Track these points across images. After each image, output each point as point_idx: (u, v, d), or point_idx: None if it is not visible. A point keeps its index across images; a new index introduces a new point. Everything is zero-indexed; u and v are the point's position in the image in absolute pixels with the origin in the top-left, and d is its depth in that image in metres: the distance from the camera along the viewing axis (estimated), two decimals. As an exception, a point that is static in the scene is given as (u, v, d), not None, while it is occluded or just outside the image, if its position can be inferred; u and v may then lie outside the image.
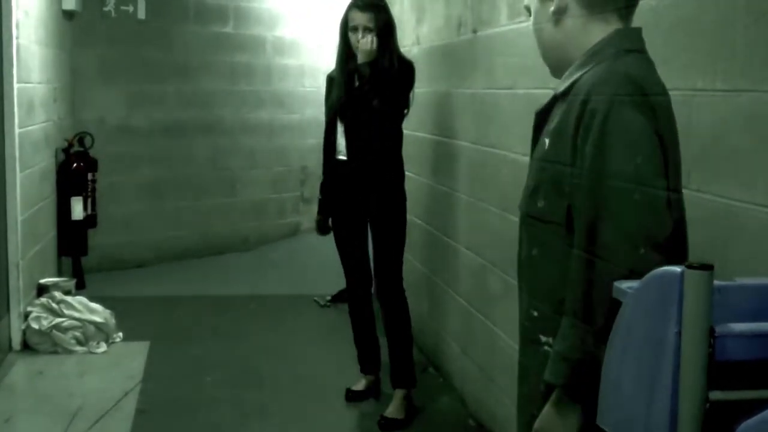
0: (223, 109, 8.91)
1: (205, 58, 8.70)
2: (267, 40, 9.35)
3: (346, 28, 4.64)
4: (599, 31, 2.09)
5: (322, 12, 10.03)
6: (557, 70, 2.19)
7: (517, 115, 4.01)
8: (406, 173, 4.87)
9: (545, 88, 3.66)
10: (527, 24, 3.87)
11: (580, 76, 2.06)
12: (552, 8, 2.14)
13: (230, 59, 8.94)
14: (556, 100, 2.14)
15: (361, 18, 4.57)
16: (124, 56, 8.04)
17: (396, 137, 4.75)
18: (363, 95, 4.58)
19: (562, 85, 2.13)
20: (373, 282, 4.91)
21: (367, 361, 4.99)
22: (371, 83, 4.54)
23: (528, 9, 2.30)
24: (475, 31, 4.64)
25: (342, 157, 4.74)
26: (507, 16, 4.14)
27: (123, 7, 7.93)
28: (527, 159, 3.84)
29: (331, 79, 4.87)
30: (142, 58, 8.18)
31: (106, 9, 7.87)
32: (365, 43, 4.53)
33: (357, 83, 4.62)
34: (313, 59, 10.01)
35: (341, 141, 4.74)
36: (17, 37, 5.51)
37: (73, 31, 7.57)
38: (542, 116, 2.18)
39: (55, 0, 6.90)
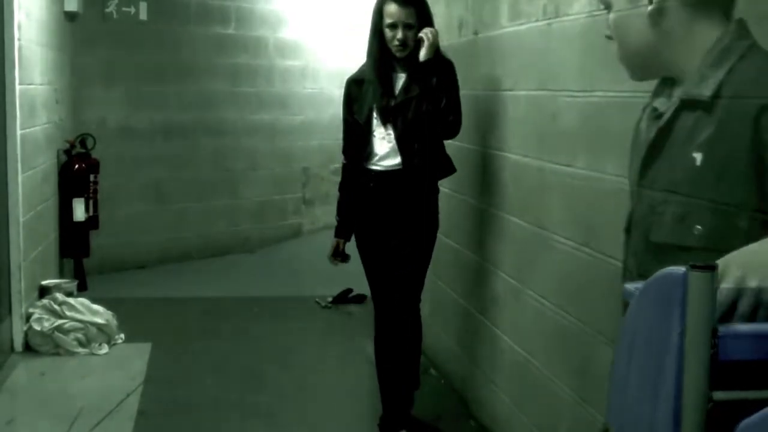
0: (225, 111, 8.92)
1: (207, 60, 8.71)
2: (269, 42, 9.36)
3: (380, 24, 4.11)
4: (707, 28, 1.88)
5: (325, 13, 10.04)
6: (644, 73, 1.98)
7: (519, 116, 4.02)
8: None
9: (545, 89, 3.68)
10: (528, 26, 3.90)
11: (724, 78, 1.84)
12: (650, 9, 1.92)
13: (232, 60, 8.95)
14: (681, 109, 1.88)
15: (400, 13, 4.04)
16: (126, 58, 8.05)
17: (442, 143, 4.24)
18: (424, 93, 4.02)
19: (699, 90, 1.86)
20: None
21: (393, 418, 4.41)
22: (422, 86, 4.04)
23: (607, 5, 2.09)
24: (476, 33, 4.64)
25: (379, 167, 4.17)
26: (508, 18, 4.15)
27: (125, 9, 7.94)
28: (527, 160, 3.85)
29: (353, 82, 4.28)
30: (143, 59, 8.18)
31: (107, 10, 7.88)
32: (430, 36, 3.99)
33: (404, 85, 4.11)
34: (316, 61, 10.01)
35: (380, 149, 4.16)
36: (19, 39, 5.52)
37: (75, 32, 7.58)
38: (667, 131, 1.87)
39: (56, 1, 6.91)
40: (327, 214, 10.13)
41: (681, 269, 1.30)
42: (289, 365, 5.62)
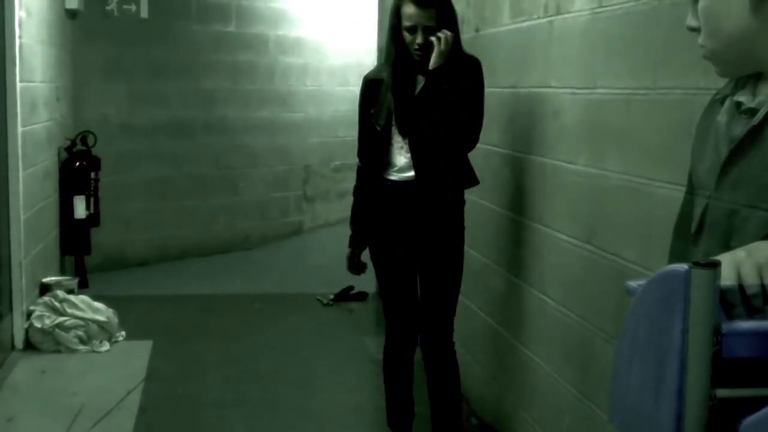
0: (226, 108, 8.92)
1: (208, 57, 8.70)
2: (269, 39, 9.36)
3: (398, 26, 3.74)
4: None
5: (326, 10, 10.04)
6: (736, 68, 1.75)
7: (521, 114, 4.02)
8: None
9: (547, 86, 3.67)
10: (529, 23, 3.90)
11: None
12: None
13: (233, 58, 8.95)
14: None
15: (419, 16, 3.65)
16: (127, 55, 8.05)
17: (466, 154, 3.90)
18: (432, 101, 3.68)
19: None
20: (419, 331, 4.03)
21: (399, 419, 4.19)
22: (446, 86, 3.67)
23: None
24: (477, 30, 4.63)
25: (397, 177, 3.85)
26: (509, 16, 4.14)
27: (125, 6, 7.93)
28: (529, 158, 3.84)
29: (371, 81, 3.93)
30: (144, 56, 8.18)
31: (108, 8, 7.87)
32: (443, 42, 3.61)
33: (420, 93, 3.75)
34: (316, 58, 10.01)
35: (398, 158, 3.83)
36: (20, 36, 5.52)
37: (76, 30, 7.57)
38: (759, 130, 1.68)
39: (57, -1, 6.92)
40: (328, 211, 10.15)
41: (683, 266, 1.30)
42: (290, 362, 5.62)
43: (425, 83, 3.72)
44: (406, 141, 3.80)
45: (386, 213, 3.90)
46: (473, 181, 3.96)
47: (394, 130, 3.83)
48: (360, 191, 4.03)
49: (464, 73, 3.72)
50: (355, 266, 4.12)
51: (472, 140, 3.82)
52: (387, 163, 3.85)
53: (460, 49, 3.77)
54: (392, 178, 3.85)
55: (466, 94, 3.70)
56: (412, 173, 3.80)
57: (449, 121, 3.68)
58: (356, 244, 4.09)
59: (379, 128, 3.84)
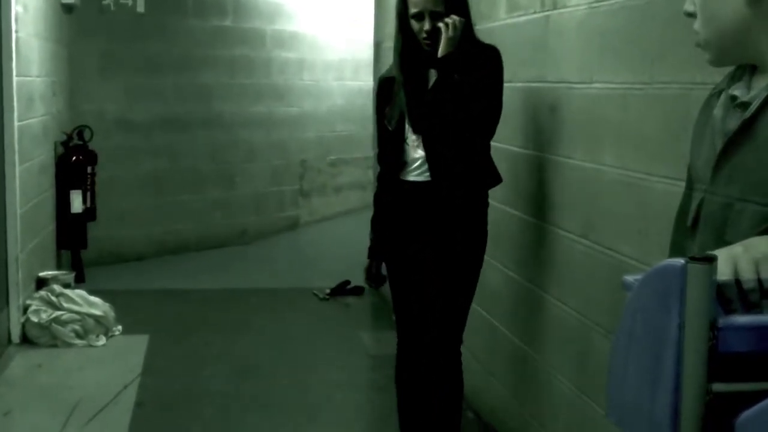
0: (223, 103, 8.91)
1: (205, 52, 8.69)
2: (266, 34, 9.35)
3: (405, 15, 3.52)
4: None
5: (322, 4, 10.04)
6: (729, 57, 1.75)
7: (517, 109, 4.02)
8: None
9: (543, 81, 3.68)
10: (526, 18, 3.89)
11: None
12: None
13: (229, 53, 8.94)
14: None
15: (426, 1, 3.43)
16: (123, 50, 8.04)
17: (486, 149, 3.65)
18: (449, 87, 3.44)
19: None
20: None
21: (410, 423, 3.87)
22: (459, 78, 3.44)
23: None
24: (473, 25, 4.63)
25: (414, 178, 3.60)
26: (505, 10, 4.14)
27: (122, 1, 7.92)
28: (525, 152, 3.84)
29: (384, 81, 3.76)
30: (141, 51, 8.17)
31: (105, 2, 7.86)
32: (452, 27, 3.40)
33: (433, 85, 3.53)
34: (313, 52, 10.01)
35: (413, 155, 3.59)
36: (16, 31, 5.51)
37: (72, 24, 7.57)
38: (752, 124, 1.68)
39: (53, -7, 6.91)
40: (324, 205, 10.15)
41: (680, 261, 1.30)
42: (287, 356, 5.62)
43: (437, 77, 3.50)
44: (420, 137, 3.58)
45: (401, 212, 3.67)
46: (495, 178, 3.68)
47: (408, 128, 3.60)
48: (380, 198, 3.79)
49: (479, 61, 3.50)
50: (374, 278, 3.87)
51: (487, 130, 3.58)
52: (403, 162, 3.62)
53: (472, 37, 3.56)
54: (409, 179, 3.61)
55: (478, 83, 3.45)
56: (428, 174, 3.57)
57: (460, 109, 3.45)
58: (375, 254, 3.83)
59: (390, 128, 3.63)
